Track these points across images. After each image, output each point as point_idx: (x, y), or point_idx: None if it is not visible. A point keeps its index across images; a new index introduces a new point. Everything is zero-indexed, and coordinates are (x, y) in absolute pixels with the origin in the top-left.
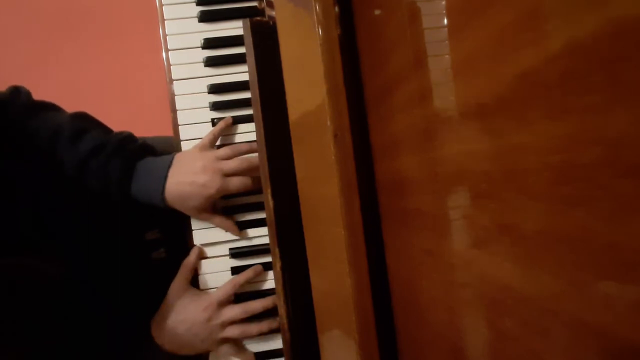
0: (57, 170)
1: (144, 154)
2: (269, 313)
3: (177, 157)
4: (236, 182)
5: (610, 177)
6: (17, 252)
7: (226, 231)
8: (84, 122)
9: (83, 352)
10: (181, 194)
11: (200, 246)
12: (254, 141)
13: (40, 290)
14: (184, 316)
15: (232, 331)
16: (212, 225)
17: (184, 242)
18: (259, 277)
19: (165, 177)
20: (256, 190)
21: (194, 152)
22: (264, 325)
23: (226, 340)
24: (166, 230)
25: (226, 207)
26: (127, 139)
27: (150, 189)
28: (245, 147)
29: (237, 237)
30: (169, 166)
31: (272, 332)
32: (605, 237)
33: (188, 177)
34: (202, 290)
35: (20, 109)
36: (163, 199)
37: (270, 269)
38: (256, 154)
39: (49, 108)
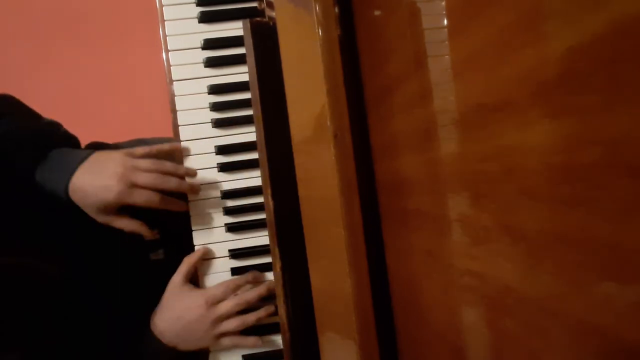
0: None
1: (63, 144)
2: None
3: (97, 154)
4: (140, 196)
5: (610, 177)
6: (17, 252)
7: (137, 233)
8: (4, 106)
9: (83, 352)
10: (81, 189)
11: (207, 248)
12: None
13: (40, 290)
14: (179, 313)
15: (230, 324)
16: (212, 226)
17: (183, 244)
18: (259, 278)
19: (75, 169)
20: (161, 208)
21: (117, 154)
22: (261, 312)
23: (226, 334)
24: (165, 230)
25: (226, 207)
26: (49, 125)
27: (55, 178)
28: (168, 166)
29: (237, 238)
30: (82, 160)
31: (272, 331)
32: (605, 237)
33: (93, 176)
34: (200, 287)
35: None
36: (66, 191)
37: (271, 269)
38: (178, 180)
39: None
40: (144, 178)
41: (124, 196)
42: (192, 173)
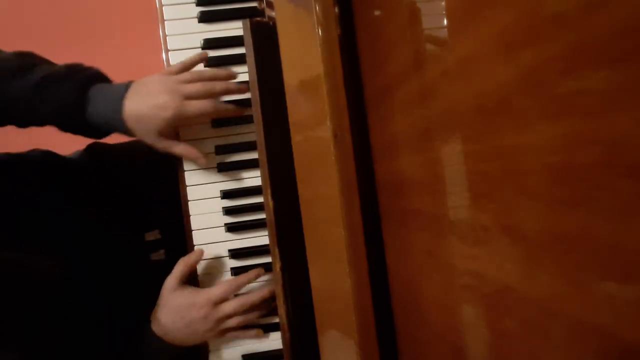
0: (12, 108)
1: (97, 80)
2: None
3: (137, 81)
4: (195, 106)
5: (610, 177)
6: (17, 251)
7: (190, 159)
8: (30, 58)
9: (83, 352)
10: (137, 114)
11: (202, 249)
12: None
13: (40, 289)
14: (181, 314)
15: (232, 322)
16: (212, 226)
17: (184, 244)
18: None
19: (123, 97)
20: (219, 116)
21: (155, 75)
22: (262, 310)
23: (228, 330)
24: (166, 231)
25: (226, 207)
26: (78, 66)
27: (107, 111)
28: (209, 72)
29: (237, 238)
30: (127, 88)
31: (272, 330)
32: (605, 237)
33: (145, 98)
34: (200, 287)
35: None
36: (121, 120)
37: (271, 269)
38: (221, 82)
39: None
40: (192, 88)
41: (181, 110)
42: (233, 75)
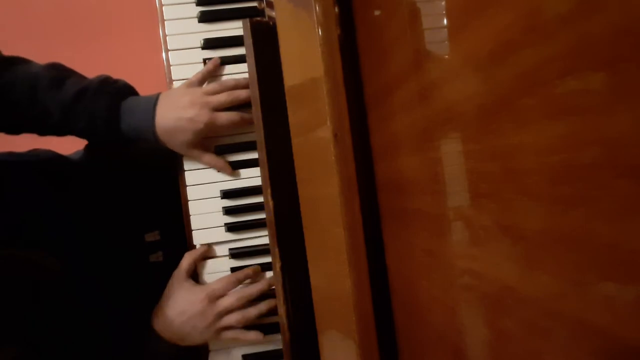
0: (41, 120)
1: (127, 93)
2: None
3: (164, 94)
4: (225, 117)
5: (610, 177)
6: (18, 249)
7: (218, 171)
8: (60, 71)
9: (82, 351)
10: (169, 128)
11: (208, 246)
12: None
13: (42, 286)
14: (180, 308)
15: (231, 319)
16: (212, 225)
17: (183, 246)
18: (259, 272)
19: (154, 111)
20: (245, 126)
21: (181, 88)
22: (262, 306)
23: (227, 329)
24: (166, 232)
25: (226, 207)
26: (107, 80)
27: (140, 124)
28: (232, 82)
29: (237, 237)
30: (156, 102)
31: (272, 330)
32: (605, 237)
33: (175, 112)
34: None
35: None
36: (154, 133)
37: (271, 269)
38: (244, 90)
39: (19, 61)
40: (219, 98)
41: (212, 123)
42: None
